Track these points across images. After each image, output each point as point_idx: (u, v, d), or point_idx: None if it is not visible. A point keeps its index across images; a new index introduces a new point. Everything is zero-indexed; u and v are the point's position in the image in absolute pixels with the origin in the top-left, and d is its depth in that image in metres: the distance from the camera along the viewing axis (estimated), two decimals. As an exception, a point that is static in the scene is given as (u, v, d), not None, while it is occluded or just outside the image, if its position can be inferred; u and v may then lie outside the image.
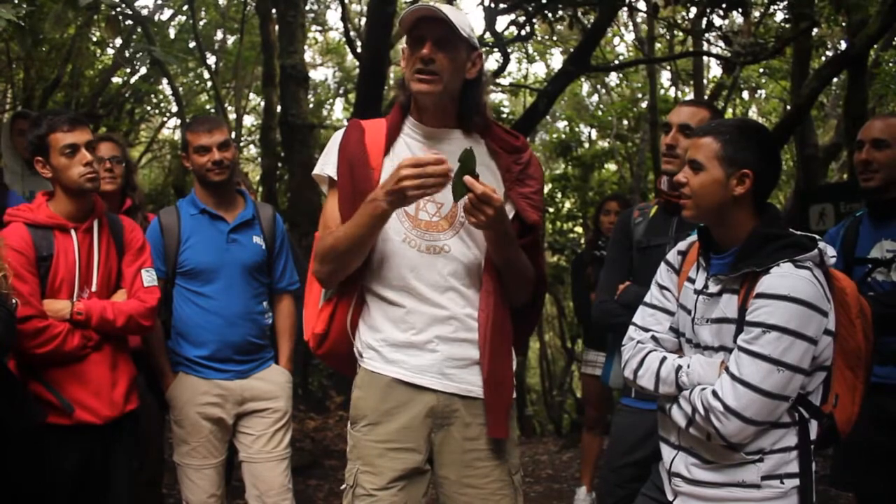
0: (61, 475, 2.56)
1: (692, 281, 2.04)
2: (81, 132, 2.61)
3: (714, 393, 1.85)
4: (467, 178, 1.87)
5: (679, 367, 1.95)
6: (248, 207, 3.15)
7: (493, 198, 1.87)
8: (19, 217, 2.62)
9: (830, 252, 1.91)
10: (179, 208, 3.11)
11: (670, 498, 2.02)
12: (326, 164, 2.14)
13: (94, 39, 9.99)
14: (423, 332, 2.05)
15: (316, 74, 15.51)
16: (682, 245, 2.15)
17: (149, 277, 2.76)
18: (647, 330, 2.10)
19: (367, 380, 2.11)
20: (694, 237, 2.10)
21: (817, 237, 1.92)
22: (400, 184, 1.87)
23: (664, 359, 2.00)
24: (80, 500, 2.63)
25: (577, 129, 13.21)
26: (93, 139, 2.71)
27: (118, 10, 4.72)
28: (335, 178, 2.10)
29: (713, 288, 1.96)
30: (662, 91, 12.09)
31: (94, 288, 2.66)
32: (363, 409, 2.10)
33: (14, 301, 2.37)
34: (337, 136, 2.17)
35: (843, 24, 7.45)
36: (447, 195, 1.96)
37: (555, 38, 12.06)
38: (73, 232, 2.63)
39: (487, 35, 7.30)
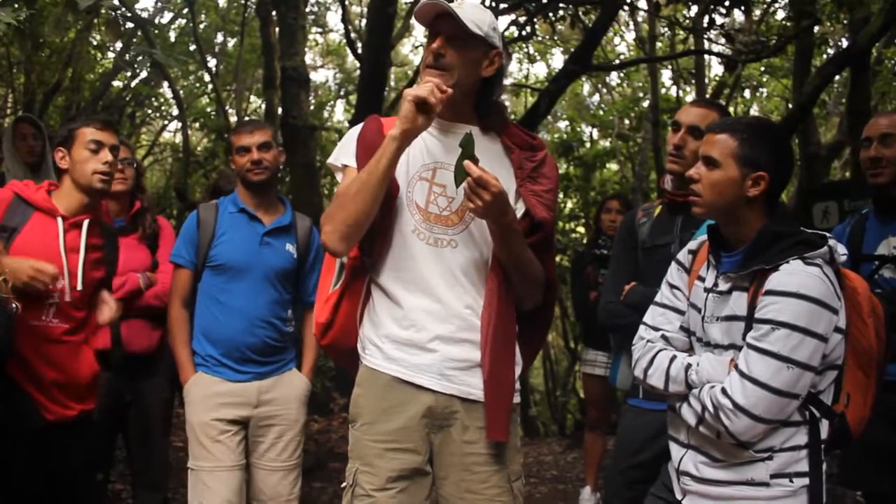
0: (20, 473, 2.54)
1: (702, 279, 2.03)
2: (110, 135, 2.67)
3: (723, 390, 1.84)
4: (466, 163, 1.87)
5: (689, 366, 1.94)
6: (286, 214, 3.17)
7: (489, 182, 1.86)
8: (15, 188, 2.65)
9: (841, 250, 1.89)
10: (219, 205, 3.15)
11: (679, 497, 2.01)
12: (341, 155, 2.13)
13: (95, 43, 9.98)
14: (424, 331, 2.03)
15: (317, 76, 15.60)
16: (692, 244, 2.14)
17: None
18: (657, 329, 2.09)
19: (368, 377, 2.09)
20: (704, 236, 2.09)
21: (827, 234, 1.91)
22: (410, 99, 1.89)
23: (674, 357, 1.99)
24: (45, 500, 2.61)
25: (578, 129, 13.19)
26: (118, 145, 2.73)
27: (118, 13, 4.71)
28: (349, 164, 2.09)
29: (723, 286, 1.95)
30: (664, 90, 12.07)
31: (79, 287, 2.63)
32: (362, 406, 2.08)
33: (14, 305, 2.36)
34: (355, 129, 2.16)
35: (845, 21, 7.44)
36: (459, 190, 1.96)
37: (556, 38, 12.04)
38: (59, 220, 2.61)
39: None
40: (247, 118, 11.43)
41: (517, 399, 2.11)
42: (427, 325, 2.03)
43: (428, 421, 2.03)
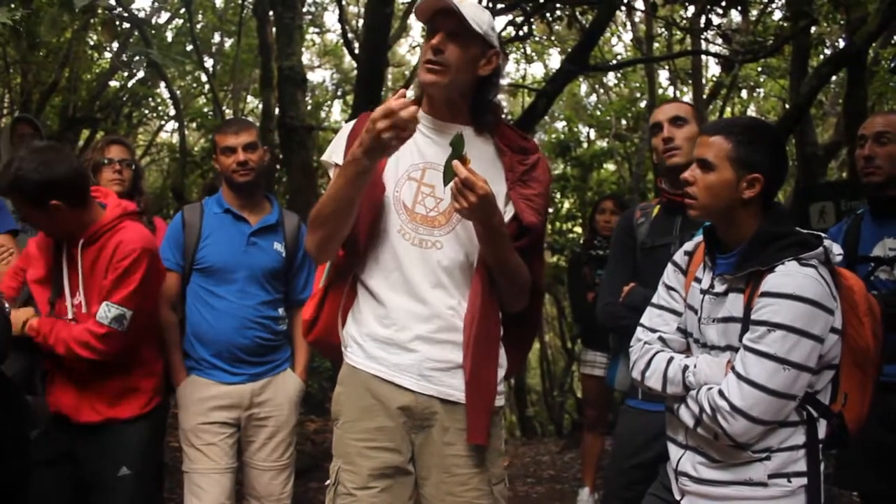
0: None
1: (699, 281, 2.03)
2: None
3: (720, 392, 1.84)
4: (455, 163, 1.85)
5: (686, 367, 1.94)
6: (273, 213, 3.15)
7: (476, 184, 1.84)
8: None
9: (836, 250, 1.90)
10: (204, 206, 3.12)
11: (677, 497, 2.01)
12: (334, 152, 2.13)
13: (92, 43, 9.97)
14: (404, 330, 2.02)
15: (314, 76, 15.57)
16: (688, 245, 2.14)
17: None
18: (654, 331, 2.09)
19: (349, 375, 2.09)
20: (700, 237, 2.08)
21: (823, 235, 1.91)
22: (379, 136, 1.82)
23: (671, 359, 1.99)
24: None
25: (575, 130, 13.18)
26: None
27: (115, 13, 4.70)
28: (340, 164, 2.08)
29: (719, 287, 1.95)
30: (661, 90, 12.07)
31: (83, 306, 2.61)
32: (343, 405, 2.09)
33: (7, 306, 2.35)
34: (348, 126, 2.16)
35: (842, 21, 7.45)
36: (445, 191, 1.96)
37: (553, 39, 12.04)
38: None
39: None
40: (243, 118, 11.40)
41: (501, 402, 2.09)
42: (409, 325, 2.02)
43: (408, 421, 2.03)
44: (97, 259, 2.59)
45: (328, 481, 2.07)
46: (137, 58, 9.97)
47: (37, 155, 2.49)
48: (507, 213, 2.06)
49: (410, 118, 1.81)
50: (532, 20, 7.52)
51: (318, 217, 2.02)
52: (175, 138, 13.49)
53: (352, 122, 2.17)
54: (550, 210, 11.38)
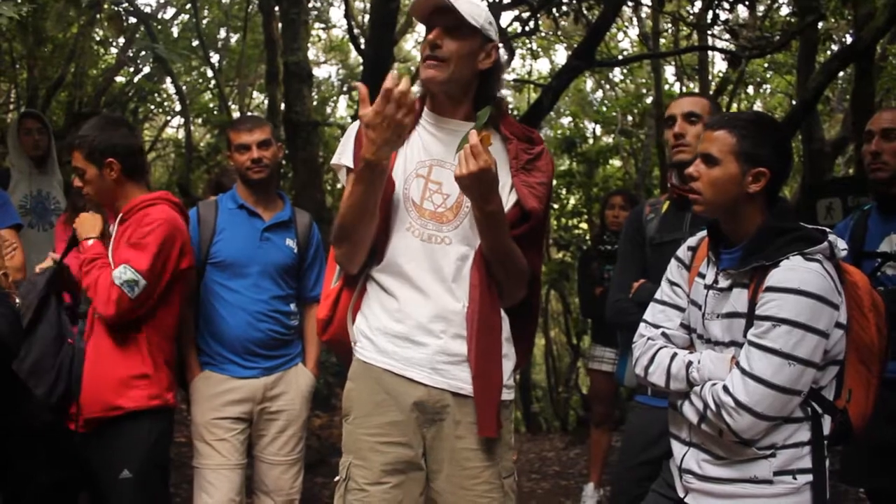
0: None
1: (702, 276, 2.02)
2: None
3: (725, 388, 1.83)
4: (472, 131, 1.88)
5: (690, 363, 1.94)
6: (285, 210, 3.19)
7: (481, 153, 1.85)
8: None
9: (841, 245, 1.89)
10: (219, 202, 3.16)
11: (681, 495, 2.01)
12: (343, 155, 2.13)
13: (98, 38, 9.98)
14: (415, 324, 2.02)
15: (319, 72, 15.52)
16: (692, 241, 2.13)
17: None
18: (657, 326, 2.09)
19: (360, 371, 2.09)
20: (704, 232, 2.08)
21: (828, 230, 1.90)
22: (393, 122, 1.85)
23: (675, 355, 1.98)
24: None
25: (581, 125, 13.16)
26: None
27: (121, 8, 4.71)
28: (351, 166, 2.08)
29: (723, 283, 1.94)
30: (667, 86, 12.03)
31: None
32: (354, 400, 2.09)
33: (18, 301, 2.36)
34: (355, 126, 2.16)
35: (850, 17, 7.40)
36: (453, 187, 1.97)
37: (559, 34, 12.00)
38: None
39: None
40: (249, 114, 11.43)
41: (509, 396, 2.09)
42: (419, 319, 2.02)
43: (420, 415, 2.03)
44: (125, 232, 2.65)
45: (337, 477, 2.07)
46: (143, 53, 9.98)
47: (107, 120, 2.75)
48: (510, 201, 2.06)
49: (407, 89, 1.84)
50: (538, 15, 7.51)
51: (342, 229, 2.03)
52: (181, 134, 13.57)
53: (356, 124, 2.17)
54: (556, 206, 11.38)
